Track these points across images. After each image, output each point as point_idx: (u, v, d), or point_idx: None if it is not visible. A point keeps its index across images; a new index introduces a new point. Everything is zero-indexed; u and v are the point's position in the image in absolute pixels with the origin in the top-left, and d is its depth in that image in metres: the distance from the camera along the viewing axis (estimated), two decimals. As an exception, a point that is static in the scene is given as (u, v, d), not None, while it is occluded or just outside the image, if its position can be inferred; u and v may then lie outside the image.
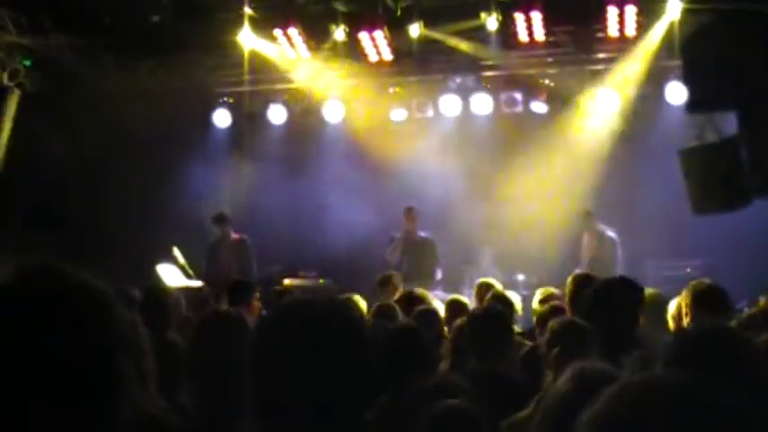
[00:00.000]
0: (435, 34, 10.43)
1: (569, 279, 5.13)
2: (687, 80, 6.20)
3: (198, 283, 9.60)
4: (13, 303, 1.53)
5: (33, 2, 9.87)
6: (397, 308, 5.63)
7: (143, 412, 2.94)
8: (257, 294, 6.78)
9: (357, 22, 10.27)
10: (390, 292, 7.51)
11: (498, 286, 7.17)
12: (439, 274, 9.94)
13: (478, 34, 10.31)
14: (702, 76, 5.61)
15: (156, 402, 3.09)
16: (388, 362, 3.54)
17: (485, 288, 6.98)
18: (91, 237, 10.57)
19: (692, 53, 5.78)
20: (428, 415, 3.00)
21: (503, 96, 11.02)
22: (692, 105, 5.89)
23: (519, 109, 11.03)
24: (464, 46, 10.48)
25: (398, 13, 10.18)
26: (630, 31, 9.86)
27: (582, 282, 4.84)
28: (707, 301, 4.30)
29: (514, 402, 3.39)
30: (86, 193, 10.97)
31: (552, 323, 3.72)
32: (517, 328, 5.78)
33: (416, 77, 11.11)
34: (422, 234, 10.04)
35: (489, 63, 10.92)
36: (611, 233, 10.03)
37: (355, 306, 5.48)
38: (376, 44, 10.59)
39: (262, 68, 10.92)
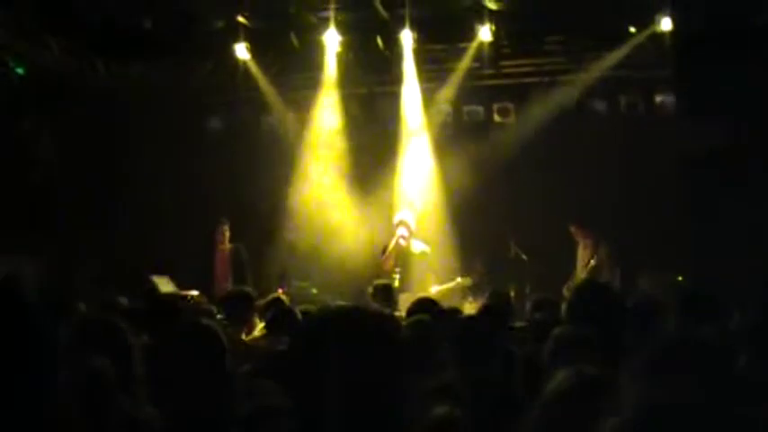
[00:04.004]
0: (428, 45, 10.49)
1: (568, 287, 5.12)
2: (677, 89, 6.23)
3: (194, 292, 9.53)
4: None
5: (22, 6, 9.77)
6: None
7: (126, 415, 2.94)
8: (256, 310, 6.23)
9: (350, 30, 10.31)
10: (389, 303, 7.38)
11: None
12: (435, 287, 9.88)
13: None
14: (692, 86, 5.65)
15: (143, 408, 3.08)
16: None
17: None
18: (78, 240, 10.48)
19: (683, 63, 5.82)
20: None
21: (495, 106, 11.01)
22: (683, 114, 5.91)
23: (511, 118, 11.03)
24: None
25: (391, 22, 10.22)
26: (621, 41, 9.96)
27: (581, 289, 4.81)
28: (693, 306, 4.30)
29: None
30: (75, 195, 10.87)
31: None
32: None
33: (409, 86, 11.10)
34: (417, 244, 9.95)
35: (482, 73, 10.94)
36: (605, 243, 9.97)
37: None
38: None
39: (255, 77, 10.94)
